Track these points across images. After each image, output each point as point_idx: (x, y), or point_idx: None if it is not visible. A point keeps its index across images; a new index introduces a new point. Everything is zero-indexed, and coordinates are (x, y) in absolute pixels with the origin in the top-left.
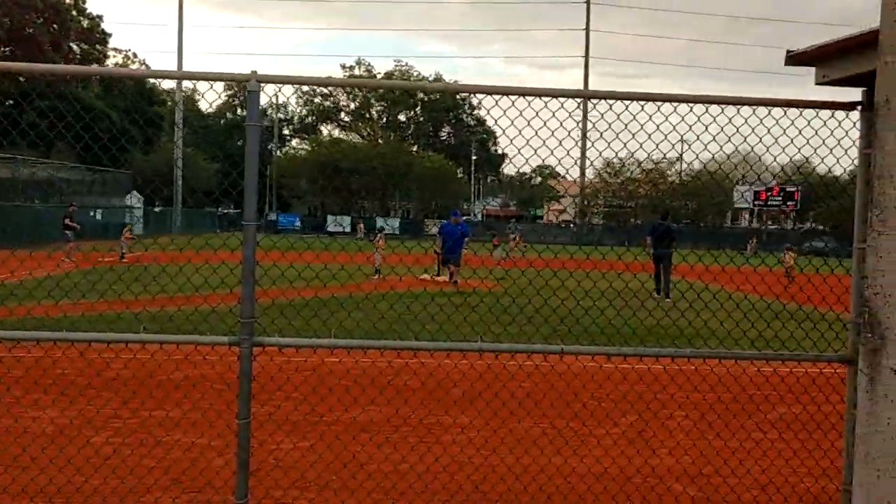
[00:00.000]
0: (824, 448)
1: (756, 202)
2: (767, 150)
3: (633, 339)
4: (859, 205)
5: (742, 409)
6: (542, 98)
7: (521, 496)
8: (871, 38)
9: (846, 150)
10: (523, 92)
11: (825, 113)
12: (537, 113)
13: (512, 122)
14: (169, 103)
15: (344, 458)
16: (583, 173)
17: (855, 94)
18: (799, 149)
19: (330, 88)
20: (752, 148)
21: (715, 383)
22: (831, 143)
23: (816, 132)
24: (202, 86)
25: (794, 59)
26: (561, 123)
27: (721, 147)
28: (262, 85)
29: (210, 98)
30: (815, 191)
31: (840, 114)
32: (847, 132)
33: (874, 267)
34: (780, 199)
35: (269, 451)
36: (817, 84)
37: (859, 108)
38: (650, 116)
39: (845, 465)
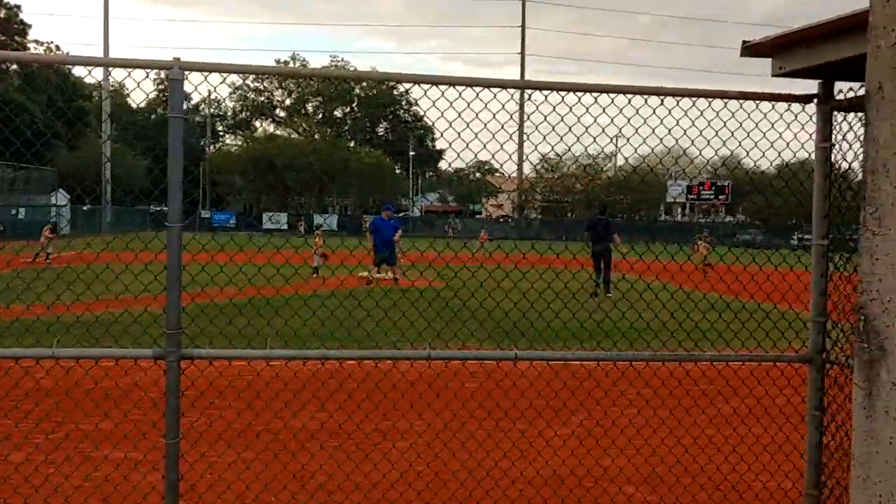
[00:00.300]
0: (779, 442)
1: (689, 196)
2: (708, 143)
3: (584, 338)
4: (818, 199)
5: (695, 403)
6: (475, 88)
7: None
8: (831, 28)
9: (788, 143)
10: (458, 82)
11: (765, 106)
12: (468, 104)
13: (442, 113)
14: (95, 97)
15: (286, 474)
16: (520, 167)
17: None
18: (740, 142)
19: (264, 84)
20: (693, 141)
21: (666, 377)
22: (772, 135)
23: (757, 125)
24: (131, 82)
25: (750, 49)
26: (494, 115)
27: (661, 140)
28: (186, 74)
29: (137, 92)
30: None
31: (781, 106)
32: (789, 125)
33: (869, 270)
34: (712, 192)
35: (208, 464)
36: (774, 76)
37: (815, 100)
38: (587, 108)
39: (808, 469)
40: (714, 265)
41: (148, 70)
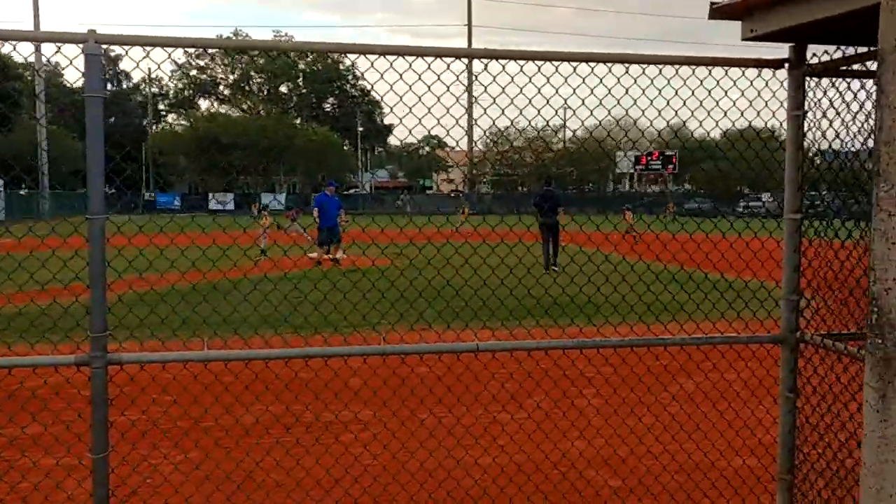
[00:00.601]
0: (743, 418)
1: (637, 166)
2: (660, 113)
3: (539, 315)
4: (790, 171)
5: (657, 380)
6: (425, 59)
7: (418, 498)
8: None
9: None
10: (404, 51)
11: (718, 72)
12: (419, 76)
13: (391, 87)
14: (28, 76)
15: (239, 472)
16: (470, 137)
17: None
18: (692, 111)
19: (205, 62)
20: (660, 111)
21: (626, 353)
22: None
23: (709, 92)
24: (65, 61)
25: (719, 11)
26: (448, 87)
27: (609, 111)
28: (104, 48)
29: (73, 72)
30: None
31: (735, 72)
32: (742, 91)
33: (884, 256)
34: (660, 162)
35: (153, 466)
36: (744, 39)
37: (787, 65)
38: (548, 78)
39: (781, 454)
40: (640, 234)
41: (59, 44)
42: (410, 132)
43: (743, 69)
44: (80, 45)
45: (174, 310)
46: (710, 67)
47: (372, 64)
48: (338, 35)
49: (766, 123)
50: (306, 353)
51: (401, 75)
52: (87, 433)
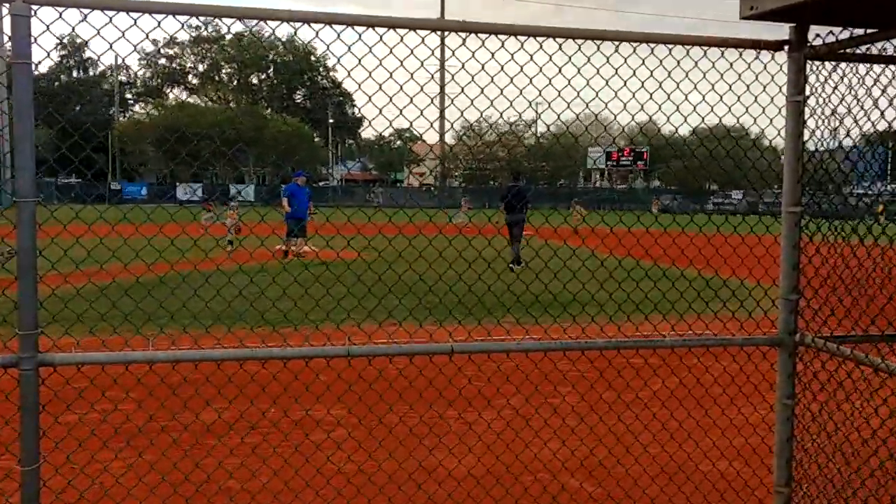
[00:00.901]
0: (730, 416)
1: (608, 162)
2: (651, 97)
3: (520, 312)
4: (790, 161)
5: (637, 374)
6: (397, 31)
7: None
8: None
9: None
10: (373, 22)
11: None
12: (389, 48)
13: (359, 60)
14: None
15: (198, 474)
16: (442, 118)
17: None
18: (686, 94)
19: (174, 50)
20: (634, 94)
21: (613, 355)
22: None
23: (704, 75)
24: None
25: None
26: (423, 63)
27: (597, 92)
28: (35, 9)
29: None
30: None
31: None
32: (739, 74)
33: None
34: (631, 159)
35: (101, 469)
36: (742, 18)
37: (787, 47)
38: (530, 55)
39: (777, 464)
40: (579, 229)
41: None
42: (380, 111)
43: (740, 51)
44: (7, 5)
45: (115, 305)
46: (704, 48)
47: (338, 35)
48: (309, 29)
49: (763, 110)
50: (270, 354)
51: (370, 48)
52: (15, 443)
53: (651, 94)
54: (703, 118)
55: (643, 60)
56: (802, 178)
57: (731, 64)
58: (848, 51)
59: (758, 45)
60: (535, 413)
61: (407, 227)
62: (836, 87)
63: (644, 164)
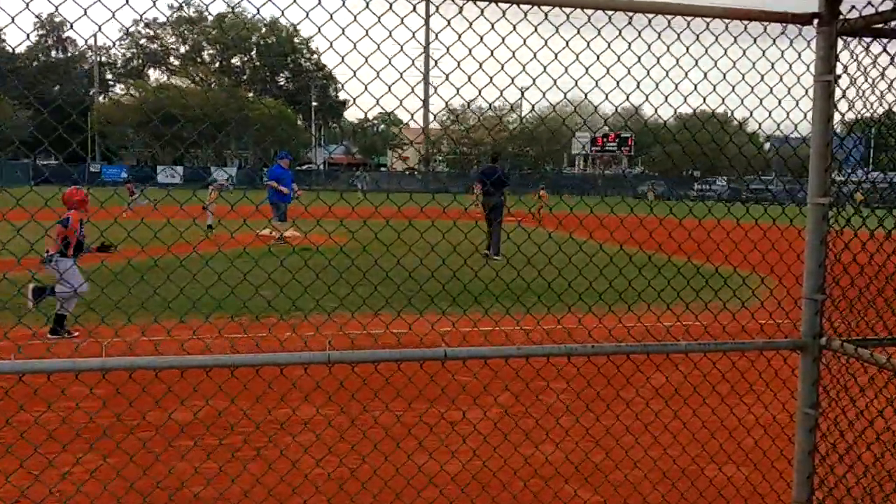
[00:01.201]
0: (739, 416)
1: (593, 148)
2: (667, 74)
3: (510, 302)
4: (818, 146)
5: (637, 369)
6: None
7: None
8: None
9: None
10: None
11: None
12: (377, 16)
13: (343, 30)
14: None
15: (172, 480)
16: (426, 100)
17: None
18: (705, 73)
19: (154, 30)
20: (649, 71)
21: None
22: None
23: (725, 52)
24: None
25: None
26: (414, 34)
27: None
28: None
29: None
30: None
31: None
32: (763, 51)
33: None
34: (616, 144)
35: (60, 474)
36: None
37: (816, 21)
38: (514, 26)
39: (797, 480)
40: (540, 216)
41: None
42: (366, 88)
43: (765, 24)
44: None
45: (76, 292)
46: (726, 21)
47: (319, 2)
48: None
49: (788, 90)
50: (241, 360)
51: (355, 17)
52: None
53: (667, 72)
54: (723, 99)
55: (659, 34)
56: (831, 166)
57: (755, 39)
58: (888, 25)
59: (785, 18)
60: (525, 412)
61: (396, 215)
62: (865, 67)
63: (629, 149)
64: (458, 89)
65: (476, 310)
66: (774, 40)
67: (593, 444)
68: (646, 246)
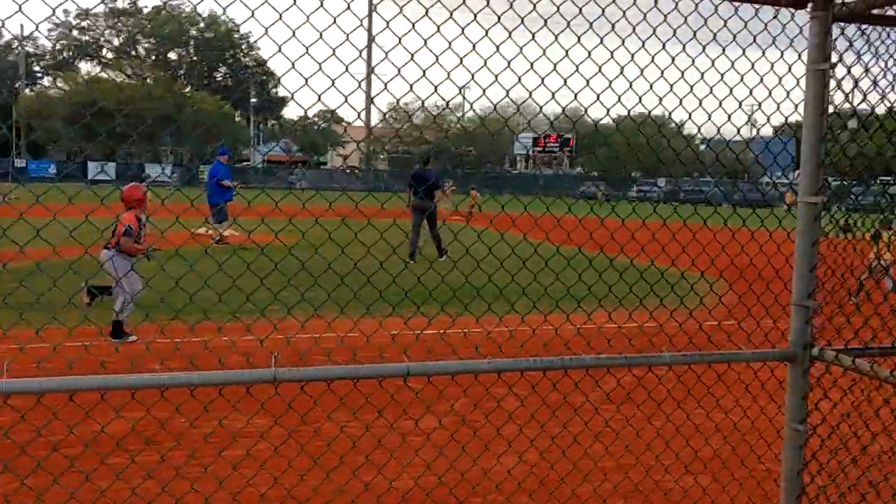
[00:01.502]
0: (696, 423)
1: (535, 149)
2: (652, 59)
3: (452, 304)
4: (810, 140)
5: (586, 373)
6: None
7: None
8: None
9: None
10: None
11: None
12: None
13: (280, 15)
14: None
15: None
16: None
17: None
18: (693, 59)
19: (88, 21)
20: (633, 55)
21: (548, 342)
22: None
23: (714, 36)
24: None
25: None
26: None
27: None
28: None
29: None
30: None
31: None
32: (753, 36)
33: None
34: (558, 145)
35: None
36: None
37: (810, 6)
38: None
39: (785, 501)
40: (471, 216)
41: None
42: (306, 81)
43: (756, 7)
44: None
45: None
46: (715, 2)
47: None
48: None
49: (780, 80)
50: (171, 381)
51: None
52: None
53: (664, 44)
54: (711, 88)
55: (645, 13)
56: (825, 161)
57: (746, 23)
58: (882, 11)
59: (777, 1)
60: (485, 421)
61: (328, 213)
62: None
63: (570, 150)
64: (411, 85)
65: (433, 309)
66: (766, 25)
67: (559, 455)
68: (600, 247)
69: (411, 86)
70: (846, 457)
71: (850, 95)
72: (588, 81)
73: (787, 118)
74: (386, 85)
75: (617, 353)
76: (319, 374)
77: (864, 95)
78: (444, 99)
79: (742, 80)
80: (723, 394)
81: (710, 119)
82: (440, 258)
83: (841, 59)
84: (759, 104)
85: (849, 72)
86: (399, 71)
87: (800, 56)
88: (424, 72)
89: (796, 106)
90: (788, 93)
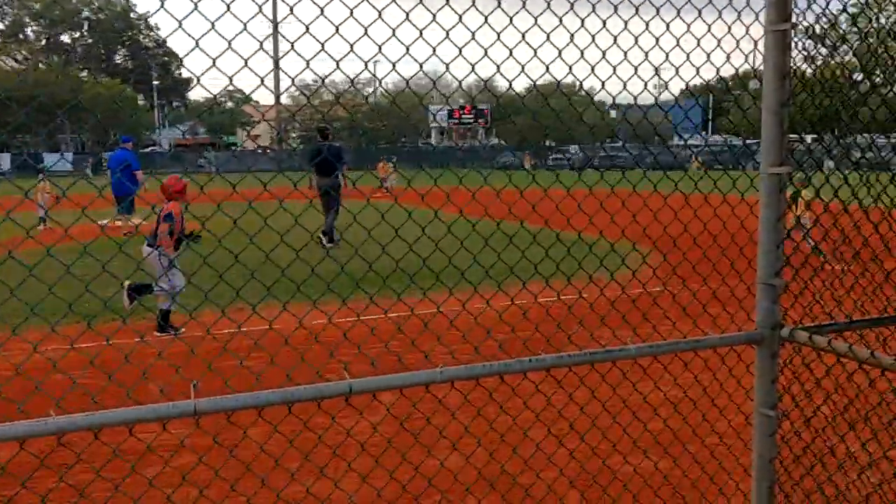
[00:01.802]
0: (653, 405)
1: (450, 120)
2: (603, 23)
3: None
4: (771, 106)
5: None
6: None
7: None
8: None
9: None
10: None
11: None
12: None
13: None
14: None
15: None
16: (276, 75)
17: None
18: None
19: None
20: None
21: (496, 322)
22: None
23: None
24: None
25: None
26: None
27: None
28: None
29: None
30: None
31: None
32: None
33: None
34: (473, 116)
35: None
36: None
37: None
38: None
39: (756, 491)
40: (392, 188)
41: None
42: (214, 62)
43: None
44: None
45: None
46: None
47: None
48: None
49: (737, 43)
50: (73, 425)
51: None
52: None
53: (616, 7)
54: (668, 55)
55: None
56: (787, 129)
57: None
58: None
59: None
60: (420, 415)
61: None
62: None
63: (486, 120)
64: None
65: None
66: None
67: (510, 454)
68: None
69: (308, 62)
70: (823, 445)
71: (814, 56)
72: (511, 51)
73: (687, 82)
74: (306, 67)
75: (577, 348)
76: (250, 400)
77: (831, 54)
78: (348, 77)
79: (699, 44)
80: (690, 382)
81: (625, 88)
82: (329, 244)
83: (804, 16)
84: (718, 70)
85: (811, 32)
86: (292, 45)
87: (757, 17)
88: (323, 45)
89: (755, 71)
90: (746, 56)
